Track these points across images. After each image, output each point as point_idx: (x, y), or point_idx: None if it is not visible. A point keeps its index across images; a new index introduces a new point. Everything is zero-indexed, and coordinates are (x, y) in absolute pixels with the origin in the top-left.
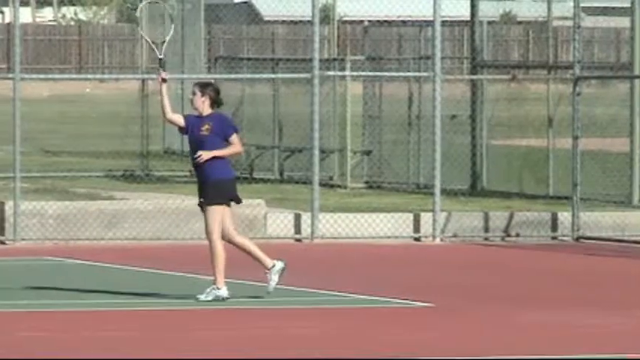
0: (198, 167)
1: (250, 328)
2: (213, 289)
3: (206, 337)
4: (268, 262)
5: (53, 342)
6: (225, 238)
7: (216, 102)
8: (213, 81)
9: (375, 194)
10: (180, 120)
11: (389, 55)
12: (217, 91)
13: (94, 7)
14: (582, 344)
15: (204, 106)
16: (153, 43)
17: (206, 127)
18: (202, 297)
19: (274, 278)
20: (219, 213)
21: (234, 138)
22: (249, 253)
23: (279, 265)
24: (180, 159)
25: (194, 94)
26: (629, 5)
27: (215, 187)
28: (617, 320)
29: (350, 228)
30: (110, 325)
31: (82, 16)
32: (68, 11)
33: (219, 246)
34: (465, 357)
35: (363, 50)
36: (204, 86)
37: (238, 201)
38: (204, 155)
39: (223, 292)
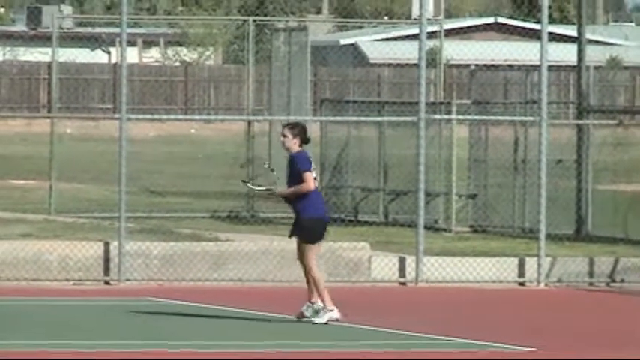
0: (291, 203)
1: None
2: (326, 311)
3: None
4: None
5: None
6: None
7: (304, 141)
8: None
9: (480, 238)
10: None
11: (495, 99)
12: (305, 130)
13: (199, 48)
14: None
15: (295, 147)
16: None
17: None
18: (317, 320)
19: (322, 318)
20: (315, 250)
21: (305, 176)
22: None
23: (335, 314)
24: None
25: (285, 136)
26: None
27: (309, 225)
28: None
29: (455, 272)
30: None
31: (186, 58)
32: (173, 52)
33: (318, 273)
34: None
35: (470, 94)
36: (293, 128)
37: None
38: (278, 191)
39: (335, 313)
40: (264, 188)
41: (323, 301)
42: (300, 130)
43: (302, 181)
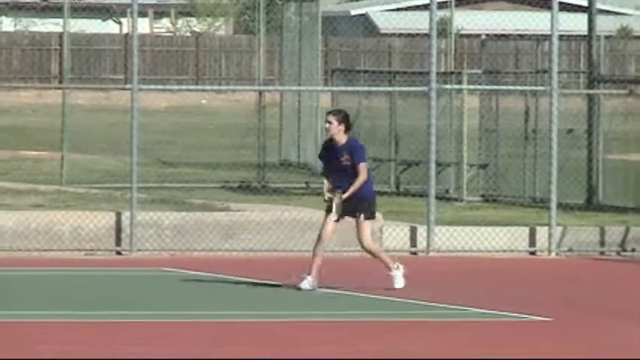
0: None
1: (366, 341)
2: (396, 272)
3: (321, 353)
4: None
5: (156, 353)
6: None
7: (349, 128)
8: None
9: (491, 208)
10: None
11: (506, 69)
12: (349, 117)
13: (209, 19)
14: None
15: (340, 134)
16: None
17: (345, 157)
18: (396, 285)
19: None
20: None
21: (361, 166)
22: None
23: (402, 270)
24: (296, 171)
25: (330, 122)
26: None
27: (369, 204)
28: None
29: (466, 241)
30: (221, 337)
31: (196, 28)
32: (184, 22)
33: (377, 247)
34: None
35: (480, 64)
36: (337, 114)
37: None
38: (345, 196)
39: (400, 271)
40: (335, 207)
41: (388, 265)
42: (344, 116)
43: (353, 169)
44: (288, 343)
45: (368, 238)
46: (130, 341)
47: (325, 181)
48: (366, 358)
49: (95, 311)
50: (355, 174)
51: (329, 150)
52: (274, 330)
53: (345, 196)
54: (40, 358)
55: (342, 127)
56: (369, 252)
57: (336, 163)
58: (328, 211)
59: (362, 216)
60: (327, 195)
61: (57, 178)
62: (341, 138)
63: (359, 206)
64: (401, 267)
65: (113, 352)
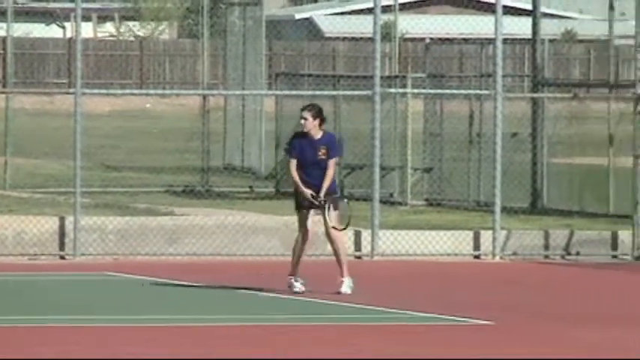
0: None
1: (307, 345)
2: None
3: (257, 354)
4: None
5: (100, 356)
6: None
7: (323, 121)
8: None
9: (435, 212)
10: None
11: (450, 73)
12: (322, 111)
13: (153, 23)
14: None
15: (315, 129)
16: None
17: (323, 151)
18: (343, 290)
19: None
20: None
21: (331, 162)
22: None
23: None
24: (240, 175)
25: (305, 118)
26: None
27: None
28: None
29: (410, 245)
30: (160, 341)
31: (140, 32)
32: (127, 26)
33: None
34: None
35: (425, 68)
36: (311, 109)
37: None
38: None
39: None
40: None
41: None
42: (318, 111)
43: (324, 162)
44: (227, 345)
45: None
46: (72, 345)
47: (299, 181)
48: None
49: (38, 316)
50: (326, 169)
51: (304, 143)
52: (214, 333)
53: (321, 193)
54: None
55: (316, 122)
56: (340, 243)
57: (312, 156)
58: (299, 208)
59: (331, 207)
60: (320, 198)
61: (0, 182)
62: (316, 132)
63: (328, 199)
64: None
65: (57, 355)
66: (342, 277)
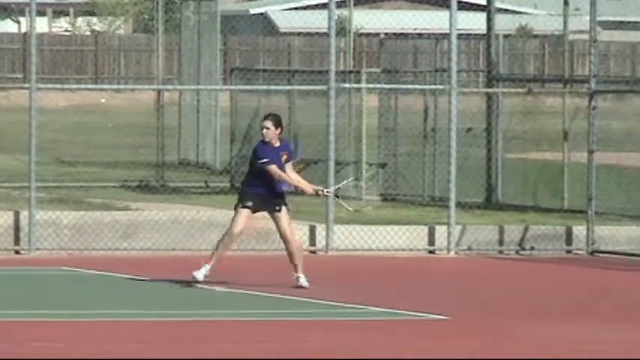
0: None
1: (261, 340)
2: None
3: (214, 350)
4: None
5: (58, 352)
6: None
7: (282, 129)
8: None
9: (390, 207)
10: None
11: (405, 68)
12: (281, 119)
13: (110, 18)
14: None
15: (276, 138)
16: None
17: (285, 157)
18: (304, 283)
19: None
20: None
21: (289, 164)
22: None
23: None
24: (195, 170)
25: (267, 128)
26: None
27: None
28: (630, 335)
29: (365, 240)
30: (116, 335)
31: (97, 27)
32: (84, 21)
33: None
34: None
35: (379, 63)
36: (272, 118)
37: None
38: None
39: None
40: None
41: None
42: (278, 120)
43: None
44: (184, 341)
45: (293, 229)
46: (28, 340)
47: (300, 179)
48: (261, 358)
49: None
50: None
51: (271, 151)
52: (170, 328)
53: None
54: None
55: (278, 131)
56: (292, 243)
57: (278, 163)
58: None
59: (284, 208)
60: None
61: None
62: (276, 141)
63: (279, 200)
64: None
65: (12, 351)
66: (298, 273)
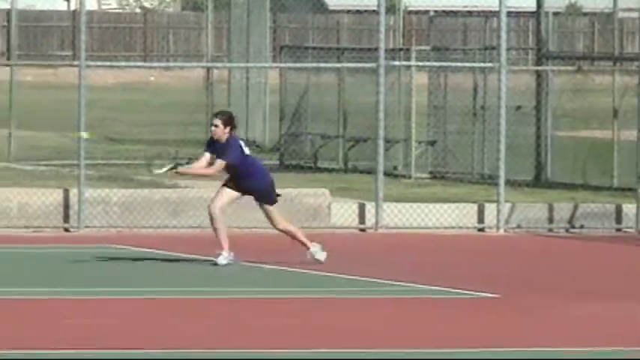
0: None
1: (315, 317)
2: (312, 251)
3: (264, 326)
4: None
5: (112, 330)
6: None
7: (233, 128)
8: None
9: (439, 184)
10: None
11: (454, 46)
12: (233, 117)
13: None
14: None
15: (225, 136)
16: None
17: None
18: (320, 258)
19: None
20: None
21: (218, 161)
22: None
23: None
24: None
25: (216, 126)
26: None
27: (267, 191)
28: None
29: (414, 218)
30: (164, 312)
31: (146, 4)
32: None
33: (293, 227)
34: (528, 348)
35: (429, 40)
36: (223, 116)
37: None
38: (182, 169)
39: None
40: (167, 168)
41: (305, 243)
42: (228, 118)
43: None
44: (237, 318)
45: (280, 221)
46: (80, 317)
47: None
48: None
49: (43, 288)
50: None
51: (220, 145)
52: (218, 305)
53: (182, 169)
54: None
55: (227, 130)
56: (286, 232)
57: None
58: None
59: (266, 205)
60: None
61: (4, 155)
62: (224, 138)
63: (260, 197)
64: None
65: (64, 329)
66: (310, 246)
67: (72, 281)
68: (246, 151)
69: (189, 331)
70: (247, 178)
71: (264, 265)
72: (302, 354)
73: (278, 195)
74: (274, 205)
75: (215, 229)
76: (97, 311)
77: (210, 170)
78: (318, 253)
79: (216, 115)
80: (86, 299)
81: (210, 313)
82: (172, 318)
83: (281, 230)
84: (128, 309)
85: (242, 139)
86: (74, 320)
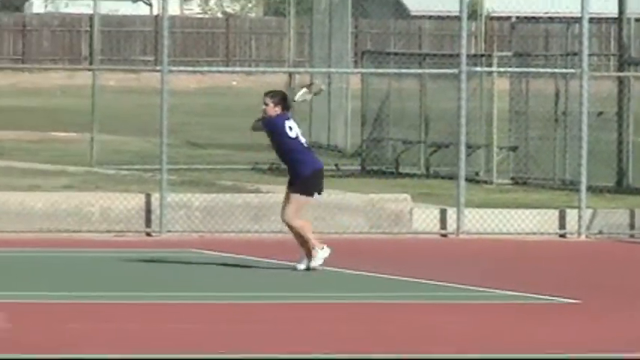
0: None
1: (396, 321)
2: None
3: (346, 331)
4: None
5: (196, 333)
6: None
7: (285, 108)
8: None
9: (521, 190)
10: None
11: (536, 52)
12: (286, 98)
13: (242, 0)
14: None
15: (275, 114)
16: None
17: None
18: (313, 264)
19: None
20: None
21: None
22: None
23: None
24: (326, 153)
25: (266, 104)
26: None
27: (302, 181)
28: None
29: (495, 224)
30: (244, 316)
31: (228, 9)
32: (216, 4)
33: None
34: (610, 355)
35: (510, 46)
36: (274, 96)
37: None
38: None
39: (325, 251)
40: (302, 92)
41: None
42: (280, 99)
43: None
44: (322, 325)
45: (293, 217)
46: (163, 322)
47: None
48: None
49: (126, 292)
50: (281, 152)
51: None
52: (301, 310)
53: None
54: (72, 337)
55: (277, 109)
56: (289, 227)
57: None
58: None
59: (293, 193)
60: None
61: (86, 159)
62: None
63: (293, 184)
64: (326, 248)
65: (145, 331)
66: (318, 247)
67: (154, 286)
68: (293, 133)
69: (268, 336)
70: (288, 161)
71: (347, 271)
72: (382, 357)
73: (316, 192)
74: (303, 201)
75: (297, 236)
76: (179, 314)
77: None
78: (319, 257)
79: (266, 94)
80: (168, 303)
81: (288, 318)
82: (254, 323)
83: (284, 222)
84: (211, 313)
85: (291, 120)
86: (164, 325)
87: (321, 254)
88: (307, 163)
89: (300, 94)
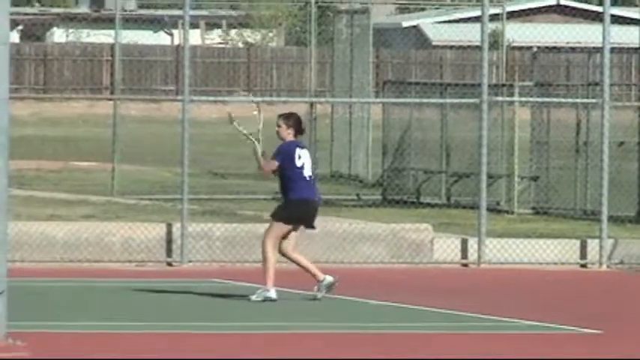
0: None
1: (417, 351)
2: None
3: None
4: (320, 275)
5: None
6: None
7: (299, 132)
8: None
9: (542, 220)
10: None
11: (557, 81)
12: (300, 121)
13: (263, 30)
14: None
15: (289, 137)
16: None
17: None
18: (253, 298)
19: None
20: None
21: (271, 162)
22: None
23: (329, 279)
24: (347, 182)
25: (279, 126)
26: None
27: (284, 207)
28: None
29: (517, 253)
30: (269, 347)
31: (249, 39)
32: (237, 34)
33: (272, 254)
34: None
35: (532, 76)
36: (288, 118)
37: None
38: (258, 149)
39: (272, 293)
40: (246, 132)
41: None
42: (294, 121)
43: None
44: (347, 354)
45: (265, 235)
46: (183, 352)
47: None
48: None
49: (148, 322)
50: (281, 179)
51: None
52: (324, 341)
53: (259, 151)
54: None
55: (290, 131)
56: (263, 252)
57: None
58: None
59: (274, 218)
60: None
61: (108, 188)
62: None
63: (277, 208)
64: (273, 291)
65: None
66: (269, 284)
67: (176, 316)
68: (300, 162)
69: None
70: (282, 186)
71: (370, 301)
72: None
73: (302, 225)
74: (276, 228)
75: (297, 264)
76: (200, 345)
77: (266, 166)
78: (272, 292)
79: (280, 116)
80: (188, 333)
81: (308, 349)
82: (277, 354)
83: (263, 245)
84: (233, 344)
85: (303, 147)
86: (185, 355)
87: (265, 294)
88: (297, 190)
89: (240, 128)
